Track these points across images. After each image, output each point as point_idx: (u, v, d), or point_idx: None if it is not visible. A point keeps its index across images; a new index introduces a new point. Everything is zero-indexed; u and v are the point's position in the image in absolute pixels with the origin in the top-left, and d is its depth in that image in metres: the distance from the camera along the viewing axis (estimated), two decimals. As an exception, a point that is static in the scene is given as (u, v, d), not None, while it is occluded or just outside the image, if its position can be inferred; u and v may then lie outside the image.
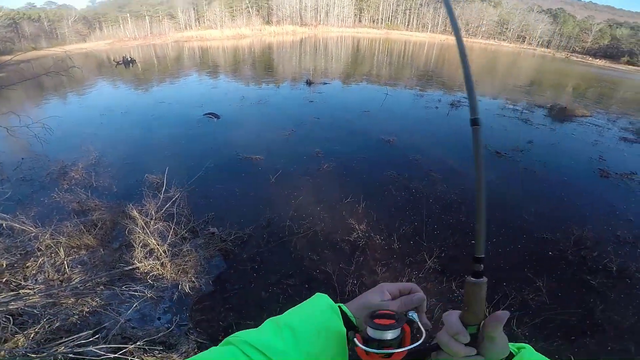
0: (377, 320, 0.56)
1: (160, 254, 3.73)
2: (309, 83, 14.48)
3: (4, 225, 3.94)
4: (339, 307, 0.64)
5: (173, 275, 3.67)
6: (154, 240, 3.73)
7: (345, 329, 0.61)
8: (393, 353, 0.55)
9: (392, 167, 6.62)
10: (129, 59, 24.20)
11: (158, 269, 3.65)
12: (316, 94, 12.82)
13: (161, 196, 4.41)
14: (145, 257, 3.70)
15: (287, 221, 4.79)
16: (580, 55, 58.24)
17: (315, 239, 4.52)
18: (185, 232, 4.32)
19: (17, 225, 3.92)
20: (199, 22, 69.70)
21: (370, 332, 0.55)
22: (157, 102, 11.92)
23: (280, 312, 0.61)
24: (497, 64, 32.11)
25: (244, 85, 15.16)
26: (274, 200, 5.37)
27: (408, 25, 67.32)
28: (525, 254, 4.42)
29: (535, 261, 4.29)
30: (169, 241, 3.84)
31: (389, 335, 0.55)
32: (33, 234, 3.88)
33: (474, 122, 0.55)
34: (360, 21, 69.59)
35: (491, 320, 0.55)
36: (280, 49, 34.21)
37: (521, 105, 12.58)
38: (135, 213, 3.99)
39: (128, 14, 66.95)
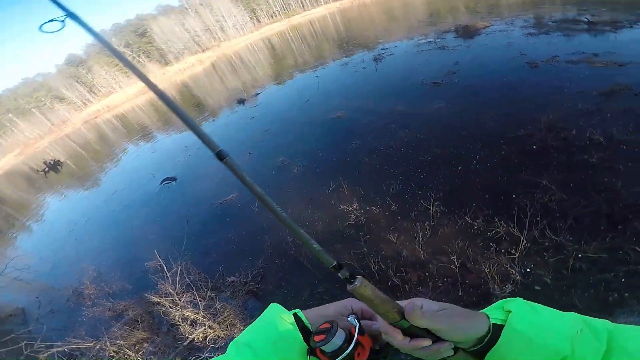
0: (315, 338, 0.61)
1: (202, 320, 3.90)
2: (241, 101, 14.47)
3: (65, 349, 4.23)
4: (295, 313, 0.67)
5: (225, 331, 3.83)
6: (189, 312, 3.90)
7: (300, 335, 0.64)
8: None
9: (352, 137, 6.90)
10: (53, 162, 22.89)
11: (210, 332, 3.83)
12: (254, 108, 12.85)
13: (168, 275, 4.60)
14: (193, 327, 3.88)
15: (288, 237, 4.92)
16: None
17: (320, 238, 4.64)
18: (210, 292, 4.45)
19: (80, 345, 4.17)
20: (93, 93, 66.05)
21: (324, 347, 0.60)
22: (110, 194, 11.49)
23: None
24: (394, 8, 33.15)
25: (181, 134, 14.89)
26: (267, 227, 5.47)
27: (303, 6, 67.47)
28: (511, 157, 4.56)
29: (527, 161, 4.37)
30: (202, 307, 4.00)
31: (335, 345, 0.58)
32: (98, 347, 4.13)
33: (219, 155, 0.54)
34: (259, 22, 68.92)
35: (407, 313, 0.57)
36: (196, 82, 33.53)
37: (432, 37, 13.17)
38: (157, 298, 4.20)
39: (10, 115, 62.15)
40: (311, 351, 0.62)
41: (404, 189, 4.86)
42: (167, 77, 51.99)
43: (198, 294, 4.27)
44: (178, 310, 3.97)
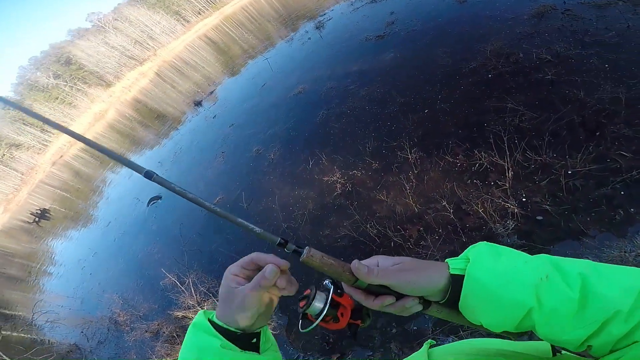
0: (300, 304, 0.61)
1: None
2: (199, 103, 13.59)
3: None
4: (209, 319, 0.57)
5: None
6: None
7: (217, 338, 0.54)
8: (325, 319, 0.59)
9: (318, 108, 6.58)
10: (40, 211, 21.42)
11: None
12: (214, 106, 12.09)
13: (183, 288, 4.52)
14: None
15: (283, 225, 4.72)
16: None
17: (314, 217, 4.48)
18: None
19: None
20: (46, 131, 60.68)
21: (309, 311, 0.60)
22: (105, 227, 10.92)
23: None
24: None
25: (152, 150, 14.04)
26: (260, 219, 5.24)
27: None
28: (471, 89, 4.40)
29: (487, 90, 4.22)
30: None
31: (317, 308, 0.59)
32: None
33: (147, 175, 0.58)
34: (187, 22, 63.75)
35: (355, 274, 0.54)
36: (147, 95, 31.39)
37: None
38: (181, 313, 4.27)
39: None
40: (303, 316, 0.61)
41: (380, 144, 4.69)
42: (116, 98, 48.61)
43: (216, 300, 4.13)
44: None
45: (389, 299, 0.55)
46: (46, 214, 21.02)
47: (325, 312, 0.58)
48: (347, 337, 3.13)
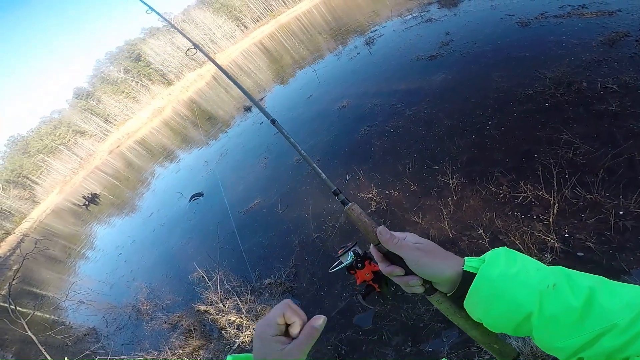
0: (340, 250, 0.84)
1: (247, 323, 3.94)
2: (248, 109, 14.39)
3: None
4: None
5: None
6: (234, 317, 3.98)
7: None
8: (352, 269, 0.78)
9: (360, 124, 6.71)
10: (91, 195, 23.72)
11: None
12: (261, 113, 12.75)
13: (210, 284, 4.73)
14: (239, 331, 3.98)
15: (313, 234, 4.88)
16: None
17: (345, 230, 4.57)
18: (250, 296, 4.49)
19: (146, 357, 4.50)
20: (110, 122, 67.07)
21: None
22: (147, 217, 11.81)
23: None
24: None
25: (199, 149, 15.04)
26: (292, 226, 5.45)
27: (286, 3, 66.00)
28: (525, 117, 4.26)
29: (542, 119, 4.06)
30: (245, 311, 4.03)
31: (348, 257, 0.80)
32: (161, 358, 4.42)
33: (273, 122, 0.81)
34: (246, 28, 67.94)
35: (378, 236, 0.61)
36: (202, 97, 33.74)
37: (416, 11, 12.50)
38: (203, 307, 4.47)
39: (42, 155, 64.41)
40: (337, 260, 0.86)
41: (421, 167, 4.67)
42: (174, 97, 52.56)
43: (240, 299, 4.37)
44: (224, 316, 4.09)
45: (398, 270, 0.60)
46: (96, 199, 23.16)
47: (350, 263, 0.74)
48: (360, 348, 3.18)
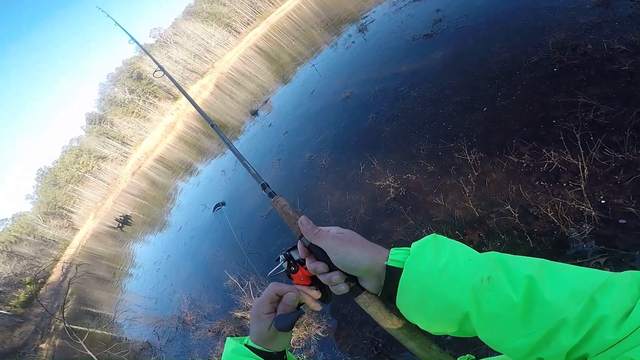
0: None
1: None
2: (255, 112, 14.37)
3: None
4: (245, 344, 0.63)
5: (304, 333, 3.87)
6: None
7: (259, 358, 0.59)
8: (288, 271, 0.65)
9: (367, 111, 6.52)
10: (123, 217, 24.56)
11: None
12: (269, 115, 12.71)
13: (243, 290, 4.84)
14: None
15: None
16: None
17: (366, 222, 4.45)
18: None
19: None
20: (126, 144, 68.77)
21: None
22: (177, 231, 12.11)
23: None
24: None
25: (216, 158, 15.20)
26: (313, 220, 5.42)
27: (273, 3, 65.04)
28: (535, 84, 3.99)
29: (554, 84, 3.81)
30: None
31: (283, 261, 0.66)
32: None
33: (212, 126, 0.82)
34: (239, 33, 67.51)
35: (300, 228, 0.58)
36: (209, 107, 33.89)
37: None
38: (240, 314, 4.60)
39: (71, 185, 66.59)
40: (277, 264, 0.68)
41: (435, 146, 4.48)
42: (183, 111, 53.24)
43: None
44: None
45: (322, 267, 0.54)
46: (128, 220, 24.00)
47: (283, 267, 0.66)
48: (397, 342, 3.06)
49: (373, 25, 11.14)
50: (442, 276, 0.44)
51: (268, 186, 0.70)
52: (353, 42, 11.33)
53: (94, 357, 5.02)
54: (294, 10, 44.64)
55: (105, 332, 9.88)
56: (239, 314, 4.71)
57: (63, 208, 66.97)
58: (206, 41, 64.11)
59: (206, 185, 13.21)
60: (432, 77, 5.84)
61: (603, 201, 2.53)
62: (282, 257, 0.67)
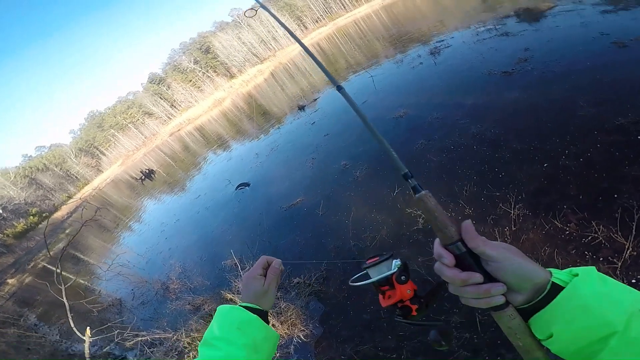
0: (369, 260, 0.69)
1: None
2: (302, 108, 14.58)
3: (148, 339, 4.69)
4: (240, 305, 0.78)
5: (286, 331, 3.81)
6: None
7: (255, 315, 0.75)
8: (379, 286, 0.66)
9: (417, 137, 6.37)
10: (148, 171, 25.70)
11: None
12: (314, 114, 12.82)
13: (241, 273, 4.82)
14: None
15: (351, 241, 4.72)
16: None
17: (385, 243, 4.35)
18: (277, 292, 4.48)
19: (161, 335, 4.58)
20: (175, 107, 72.54)
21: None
22: (194, 199, 12.40)
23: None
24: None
25: (251, 141, 15.52)
26: (331, 230, 5.33)
27: (345, 7, 66.18)
28: (611, 149, 3.70)
29: (631, 154, 3.51)
30: (268, 306, 4.04)
31: (377, 272, 0.67)
32: (175, 338, 4.47)
33: (339, 88, 0.82)
34: (306, 28, 69.28)
35: (464, 230, 0.54)
36: (260, 92, 34.97)
37: (491, 24, 11.61)
38: (230, 295, 4.55)
39: (113, 130, 71.02)
40: (363, 270, 0.72)
41: (480, 190, 4.27)
42: (235, 90, 55.17)
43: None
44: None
45: (478, 277, 0.52)
46: (151, 175, 25.08)
47: (385, 277, 0.64)
48: None
49: (448, 50, 10.89)
50: (605, 299, 0.48)
51: (412, 177, 0.60)
52: (421, 62, 11.15)
53: (67, 304, 5.00)
54: (362, 18, 45.24)
55: (84, 282, 10.22)
56: (228, 295, 4.64)
57: (97, 148, 71.67)
58: (275, 29, 66.41)
59: (237, 163, 13.48)
60: (498, 117, 5.59)
61: (634, 281, 2.45)
62: (397, 261, 0.64)
